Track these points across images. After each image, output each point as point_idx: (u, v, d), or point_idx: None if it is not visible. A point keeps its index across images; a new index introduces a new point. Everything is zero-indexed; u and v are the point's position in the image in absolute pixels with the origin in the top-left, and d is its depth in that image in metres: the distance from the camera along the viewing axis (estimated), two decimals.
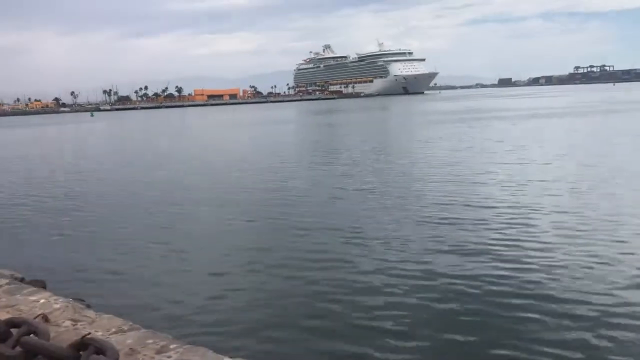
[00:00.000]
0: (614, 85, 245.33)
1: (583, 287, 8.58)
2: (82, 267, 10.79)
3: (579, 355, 6.53)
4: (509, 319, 7.59)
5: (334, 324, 7.68)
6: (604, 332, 7.04)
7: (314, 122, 68.68)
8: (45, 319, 3.25)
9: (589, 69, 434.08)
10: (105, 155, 35.61)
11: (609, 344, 6.72)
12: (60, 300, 3.82)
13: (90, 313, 3.59)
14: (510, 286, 8.74)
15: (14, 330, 2.48)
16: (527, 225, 12.35)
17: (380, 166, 23.71)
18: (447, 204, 14.93)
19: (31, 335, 2.39)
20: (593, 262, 9.68)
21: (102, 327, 3.31)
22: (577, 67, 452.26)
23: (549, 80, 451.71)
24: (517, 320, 7.52)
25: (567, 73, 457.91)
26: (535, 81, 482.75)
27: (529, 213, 13.45)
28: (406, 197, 16.34)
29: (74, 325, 3.31)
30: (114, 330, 3.26)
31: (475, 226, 12.47)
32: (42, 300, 3.82)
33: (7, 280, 4.49)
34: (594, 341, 6.82)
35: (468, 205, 14.65)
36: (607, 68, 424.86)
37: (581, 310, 7.74)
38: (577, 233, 11.57)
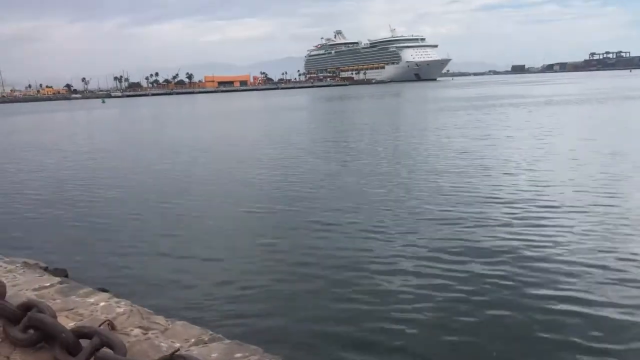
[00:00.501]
0: (630, 72, 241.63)
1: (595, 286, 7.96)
2: (99, 256, 10.57)
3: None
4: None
5: (344, 318, 7.33)
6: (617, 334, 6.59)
7: (326, 109, 67.90)
8: (112, 326, 2.86)
9: (604, 56, 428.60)
10: (118, 144, 35.07)
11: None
12: (123, 303, 3.41)
13: (160, 319, 3.14)
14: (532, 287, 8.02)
15: (83, 342, 2.15)
16: (548, 220, 11.56)
17: (396, 156, 22.87)
18: (465, 197, 14.11)
19: (105, 349, 2.03)
20: (612, 262, 8.96)
21: (177, 336, 2.86)
22: (592, 54, 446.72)
23: (563, 67, 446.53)
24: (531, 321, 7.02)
25: (583, 60, 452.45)
26: (549, 68, 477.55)
27: (550, 208, 12.65)
28: (423, 190, 15.48)
29: (144, 334, 2.89)
30: (193, 340, 2.82)
31: (495, 221, 11.68)
32: (102, 303, 3.39)
33: (59, 279, 4.07)
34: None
35: (490, 198, 13.85)
36: (624, 54, 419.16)
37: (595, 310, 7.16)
38: (598, 230, 10.76)
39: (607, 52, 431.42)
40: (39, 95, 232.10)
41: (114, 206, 15.20)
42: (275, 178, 18.56)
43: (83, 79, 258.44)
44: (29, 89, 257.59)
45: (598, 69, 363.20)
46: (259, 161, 22.93)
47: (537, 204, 13.10)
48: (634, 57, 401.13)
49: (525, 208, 12.74)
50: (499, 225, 11.42)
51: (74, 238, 12.06)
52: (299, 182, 17.54)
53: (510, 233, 10.85)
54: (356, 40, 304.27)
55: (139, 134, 43.20)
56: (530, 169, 17.88)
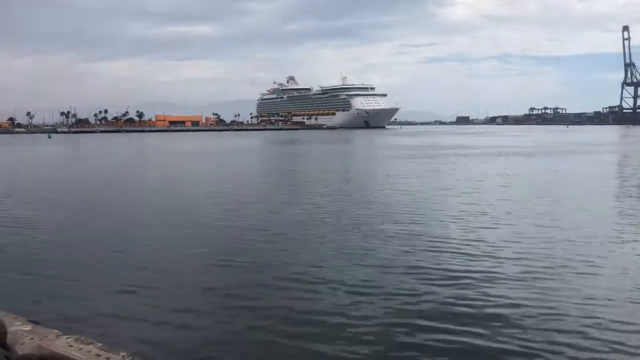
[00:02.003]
0: (567, 127, 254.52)
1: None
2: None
3: None
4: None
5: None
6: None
7: (278, 153, 68.64)
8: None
9: (543, 111, 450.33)
10: (64, 182, 34.45)
11: None
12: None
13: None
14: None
15: None
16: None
17: (352, 204, 23.64)
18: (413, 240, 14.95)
19: None
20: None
21: None
22: (532, 109, 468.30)
23: (506, 120, 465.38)
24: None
25: (523, 114, 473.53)
26: (492, 120, 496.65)
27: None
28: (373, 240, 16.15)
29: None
30: None
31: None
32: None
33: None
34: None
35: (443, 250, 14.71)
36: (560, 110, 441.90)
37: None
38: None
39: (546, 108, 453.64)
40: None
41: (52, 244, 15.22)
42: (221, 222, 18.55)
43: (28, 113, 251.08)
44: None
45: (537, 123, 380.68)
46: (209, 203, 22.96)
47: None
48: (569, 114, 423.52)
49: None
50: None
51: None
52: (243, 226, 17.56)
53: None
54: (308, 87, 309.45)
55: (84, 173, 42.58)
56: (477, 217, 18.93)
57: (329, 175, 34.45)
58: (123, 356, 2.34)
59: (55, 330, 2.61)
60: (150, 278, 11.69)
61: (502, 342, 8.08)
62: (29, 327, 2.69)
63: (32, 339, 2.63)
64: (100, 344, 2.45)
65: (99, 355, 2.35)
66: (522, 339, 8.18)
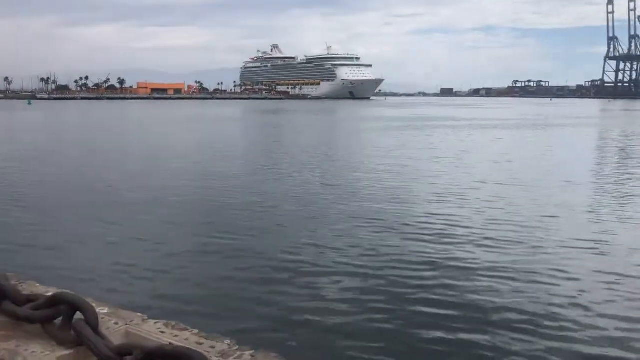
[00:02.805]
0: (550, 100, 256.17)
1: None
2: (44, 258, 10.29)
3: None
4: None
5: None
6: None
7: (262, 122, 68.16)
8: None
9: (526, 84, 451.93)
10: (42, 151, 33.96)
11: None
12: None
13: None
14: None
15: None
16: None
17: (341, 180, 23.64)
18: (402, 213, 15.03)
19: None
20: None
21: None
22: (515, 81, 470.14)
23: (489, 92, 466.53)
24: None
25: (506, 86, 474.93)
26: (475, 92, 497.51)
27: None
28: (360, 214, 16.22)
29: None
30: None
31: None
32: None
33: None
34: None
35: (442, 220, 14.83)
36: (543, 84, 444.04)
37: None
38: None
39: (529, 81, 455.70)
40: None
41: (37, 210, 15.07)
42: (211, 192, 18.56)
43: (6, 79, 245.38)
44: None
45: (521, 96, 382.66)
46: (191, 176, 22.73)
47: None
48: (552, 87, 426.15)
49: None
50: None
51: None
52: (226, 200, 17.22)
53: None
54: (292, 55, 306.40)
55: (67, 142, 41.99)
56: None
57: (315, 149, 34.23)
58: (229, 344, 2.06)
59: (139, 314, 2.36)
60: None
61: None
62: (105, 310, 2.45)
63: (116, 323, 2.39)
64: (196, 330, 2.21)
65: (200, 344, 2.13)
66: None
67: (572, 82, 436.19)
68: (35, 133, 47.43)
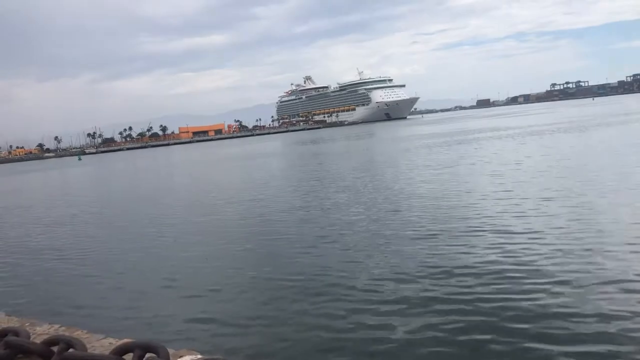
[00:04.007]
0: (593, 100, 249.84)
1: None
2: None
3: None
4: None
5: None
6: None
7: (301, 153, 68.50)
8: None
9: (565, 86, 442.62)
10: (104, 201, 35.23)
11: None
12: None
13: None
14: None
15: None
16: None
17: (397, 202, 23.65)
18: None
19: (71, 350, 2.29)
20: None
21: None
22: (553, 84, 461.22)
23: (527, 99, 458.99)
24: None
25: (545, 90, 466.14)
26: (513, 100, 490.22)
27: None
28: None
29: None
30: None
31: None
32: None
33: None
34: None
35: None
36: (583, 84, 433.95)
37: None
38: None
39: (567, 82, 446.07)
40: (10, 156, 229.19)
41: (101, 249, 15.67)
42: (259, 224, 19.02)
43: (55, 138, 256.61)
44: None
45: (560, 99, 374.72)
46: (248, 204, 23.58)
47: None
48: (592, 86, 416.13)
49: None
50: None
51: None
52: (272, 229, 17.39)
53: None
54: (325, 85, 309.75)
55: (127, 188, 43.45)
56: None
57: (366, 174, 34.28)
58: None
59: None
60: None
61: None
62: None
63: None
64: None
65: None
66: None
67: (613, 79, 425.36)
68: (91, 187, 49.28)
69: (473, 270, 10.59)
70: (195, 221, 20.67)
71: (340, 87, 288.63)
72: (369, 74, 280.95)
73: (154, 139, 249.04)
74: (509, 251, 11.76)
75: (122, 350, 2.15)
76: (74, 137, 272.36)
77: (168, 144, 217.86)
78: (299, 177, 34.69)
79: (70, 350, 2.26)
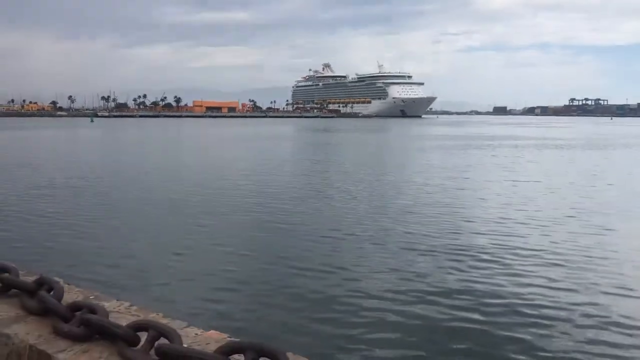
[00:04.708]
0: (611, 119, 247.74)
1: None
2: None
3: None
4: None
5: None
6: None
7: (314, 141, 67.79)
8: None
9: (584, 102, 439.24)
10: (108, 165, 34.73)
11: None
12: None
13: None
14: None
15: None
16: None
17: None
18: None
19: (163, 339, 1.90)
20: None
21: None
22: (572, 99, 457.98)
23: (545, 111, 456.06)
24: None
25: (563, 104, 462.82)
26: (530, 111, 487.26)
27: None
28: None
29: None
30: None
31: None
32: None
33: None
34: None
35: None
36: (602, 102, 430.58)
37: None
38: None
39: (586, 99, 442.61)
40: (22, 110, 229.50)
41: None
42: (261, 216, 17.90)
43: (70, 97, 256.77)
44: (11, 103, 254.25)
45: (578, 115, 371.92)
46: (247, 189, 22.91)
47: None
48: (611, 105, 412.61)
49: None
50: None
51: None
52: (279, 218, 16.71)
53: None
54: (344, 74, 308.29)
55: (137, 156, 42.93)
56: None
57: (379, 170, 33.58)
58: None
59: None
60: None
61: None
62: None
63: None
64: None
65: None
66: None
67: (633, 100, 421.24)
68: (104, 150, 48.84)
69: (475, 263, 9.93)
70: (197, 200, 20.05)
71: (358, 78, 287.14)
72: (389, 68, 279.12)
73: (167, 109, 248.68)
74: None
75: (231, 350, 1.87)
76: (87, 98, 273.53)
77: (180, 116, 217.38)
78: (316, 167, 34.01)
79: (164, 340, 1.90)
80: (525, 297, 9.44)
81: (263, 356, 1.80)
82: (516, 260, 11.71)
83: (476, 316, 8.51)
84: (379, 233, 14.36)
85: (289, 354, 1.79)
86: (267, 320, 8.47)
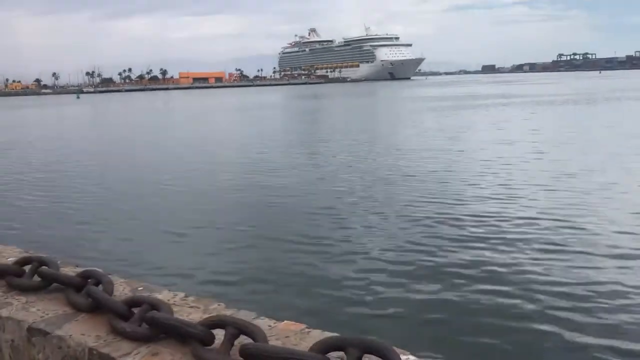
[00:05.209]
0: (599, 73, 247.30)
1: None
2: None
3: None
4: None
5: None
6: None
7: (302, 108, 67.17)
8: None
9: (572, 57, 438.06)
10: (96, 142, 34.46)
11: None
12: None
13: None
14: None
15: None
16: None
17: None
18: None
19: (243, 337, 1.66)
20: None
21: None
22: (560, 55, 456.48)
23: (533, 67, 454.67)
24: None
25: (551, 60, 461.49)
26: (519, 68, 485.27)
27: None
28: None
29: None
30: None
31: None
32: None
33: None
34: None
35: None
36: (590, 56, 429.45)
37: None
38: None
39: (574, 54, 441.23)
40: (6, 90, 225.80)
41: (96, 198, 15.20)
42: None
43: (54, 74, 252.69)
44: None
45: (566, 70, 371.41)
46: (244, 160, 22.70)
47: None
48: (599, 59, 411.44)
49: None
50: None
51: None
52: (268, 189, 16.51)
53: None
54: (330, 39, 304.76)
55: (126, 132, 42.55)
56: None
57: (373, 136, 33.46)
58: None
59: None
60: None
61: None
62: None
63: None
64: None
65: None
66: None
67: (621, 53, 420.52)
68: (91, 127, 48.29)
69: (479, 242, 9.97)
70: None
71: (345, 42, 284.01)
72: (376, 31, 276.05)
73: (154, 82, 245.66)
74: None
75: (329, 347, 1.61)
76: (72, 74, 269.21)
77: (167, 88, 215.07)
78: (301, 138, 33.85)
79: (244, 339, 1.62)
80: (533, 263, 9.26)
81: (369, 353, 1.56)
82: (520, 225, 11.58)
83: (487, 286, 8.29)
84: (378, 201, 14.32)
85: (397, 349, 1.42)
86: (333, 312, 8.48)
